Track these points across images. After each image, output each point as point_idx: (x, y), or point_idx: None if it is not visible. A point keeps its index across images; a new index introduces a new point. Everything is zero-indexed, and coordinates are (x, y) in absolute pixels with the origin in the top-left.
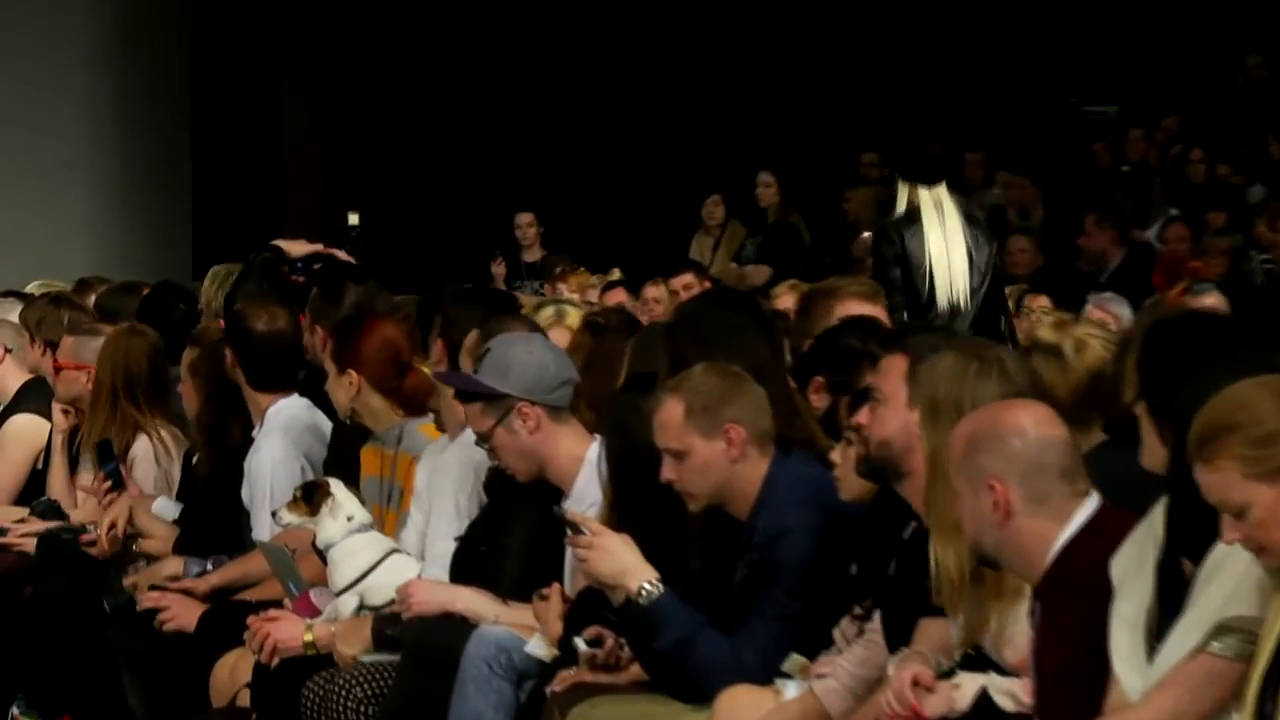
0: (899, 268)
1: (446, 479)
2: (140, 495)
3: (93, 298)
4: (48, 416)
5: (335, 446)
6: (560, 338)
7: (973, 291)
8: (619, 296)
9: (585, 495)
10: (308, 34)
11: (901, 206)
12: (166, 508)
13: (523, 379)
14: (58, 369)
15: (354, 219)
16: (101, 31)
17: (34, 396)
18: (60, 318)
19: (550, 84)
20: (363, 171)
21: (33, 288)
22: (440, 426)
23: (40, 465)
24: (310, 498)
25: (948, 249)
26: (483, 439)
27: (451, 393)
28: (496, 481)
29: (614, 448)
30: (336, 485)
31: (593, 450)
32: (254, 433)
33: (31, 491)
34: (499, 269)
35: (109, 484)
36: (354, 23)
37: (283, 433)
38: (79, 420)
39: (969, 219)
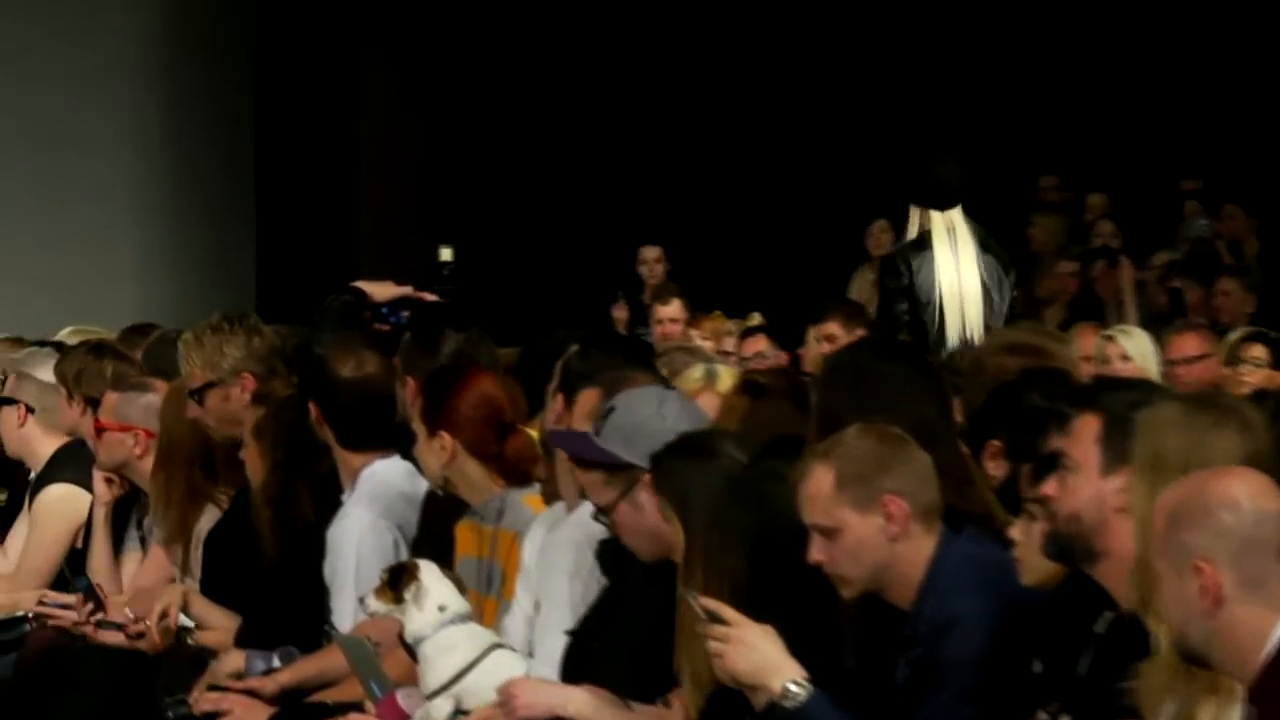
0: (906, 301)
1: (559, 560)
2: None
3: (141, 348)
4: (87, 486)
5: (426, 521)
6: (710, 404)
7: (988, 327)
8: (759, 345)
9: None
10: (391, 35)
11: (912, 233)
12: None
13: (652, 446)
14: (99, 430)
15: (446, 254)
16: (150, 36)
17: (71, 463)
18: (103, 370)
19: (681, 93)
20: (456, 199)
21: (66, 335)
22: (547, 499)
23: (79, 543)
24: (396, 583)
25: (960, 278)
26: (603, 514)
27: (565, 456)
28: (615, 561)
29: (752, 524)
30: (426, 568)
31: None
32: (344, 496)
33: (71, 570)
34: (620, 313)
35: (90, 606)
36: (446, 24)
37: (373, 501)
38: (124, 490)
39: (985, 247)
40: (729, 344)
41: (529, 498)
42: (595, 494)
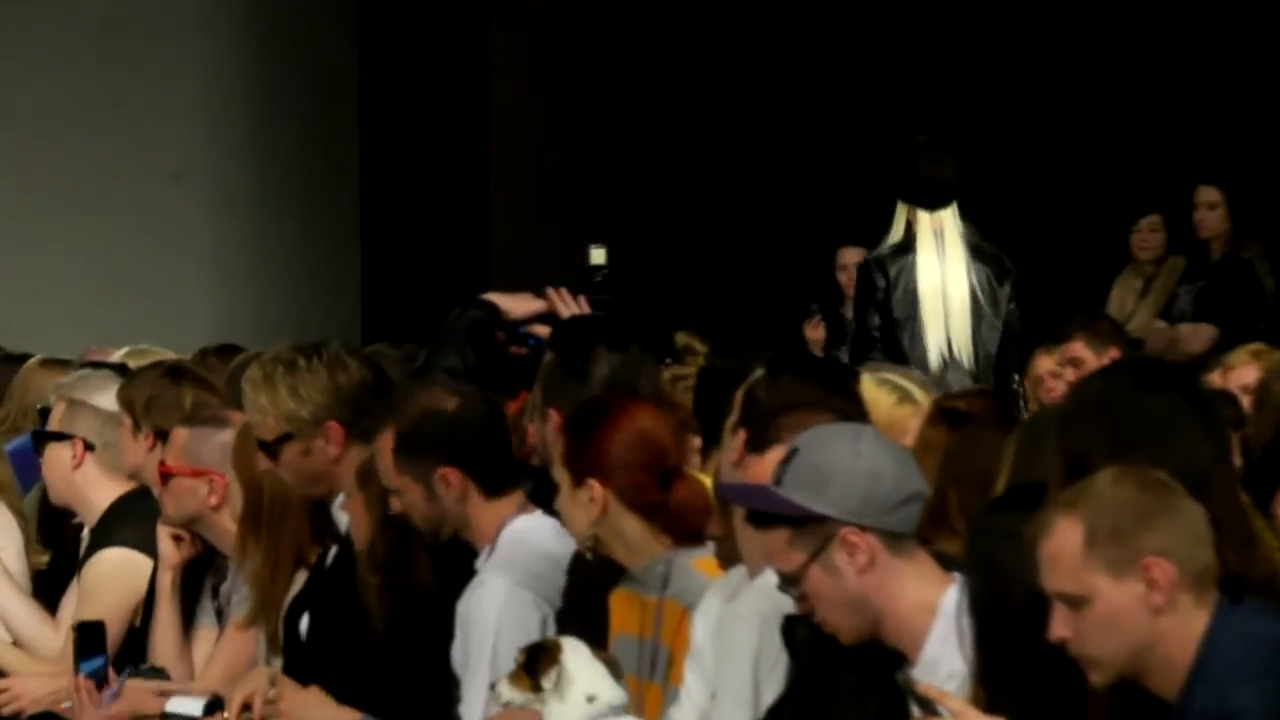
0: (879, 316)
1: (738, 639)
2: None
3: (223, 374)
4: (150, 549)
5: (573, 590)
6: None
7: (977, 341)
8: None
9: (940, 662)
10: None
11: (898, 233)
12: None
13: (848, 494)
14: (165, 476)
15: (598, 257)
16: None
17: (132, 518)
18: (180, 399)
19: (881, 66)
20: (609, 189)
21: (126, 357)
22: (724, 562)
23: (138, 621)
24: (534, 667)
25: (944, 285)
26: (789, 581)
27: (744, 514)
28: (808, 640)
29: (982, 593)
30: (572, 649)
31: (950, 596)
32: (478, 561)
33: (130, 655)
34: (815, 332)
35: (114, 688)
36: None
37: (515, 566)
38: (195, 550)
39: (977, 251)
40: None
41: (701, 561)
42: (780, 558)
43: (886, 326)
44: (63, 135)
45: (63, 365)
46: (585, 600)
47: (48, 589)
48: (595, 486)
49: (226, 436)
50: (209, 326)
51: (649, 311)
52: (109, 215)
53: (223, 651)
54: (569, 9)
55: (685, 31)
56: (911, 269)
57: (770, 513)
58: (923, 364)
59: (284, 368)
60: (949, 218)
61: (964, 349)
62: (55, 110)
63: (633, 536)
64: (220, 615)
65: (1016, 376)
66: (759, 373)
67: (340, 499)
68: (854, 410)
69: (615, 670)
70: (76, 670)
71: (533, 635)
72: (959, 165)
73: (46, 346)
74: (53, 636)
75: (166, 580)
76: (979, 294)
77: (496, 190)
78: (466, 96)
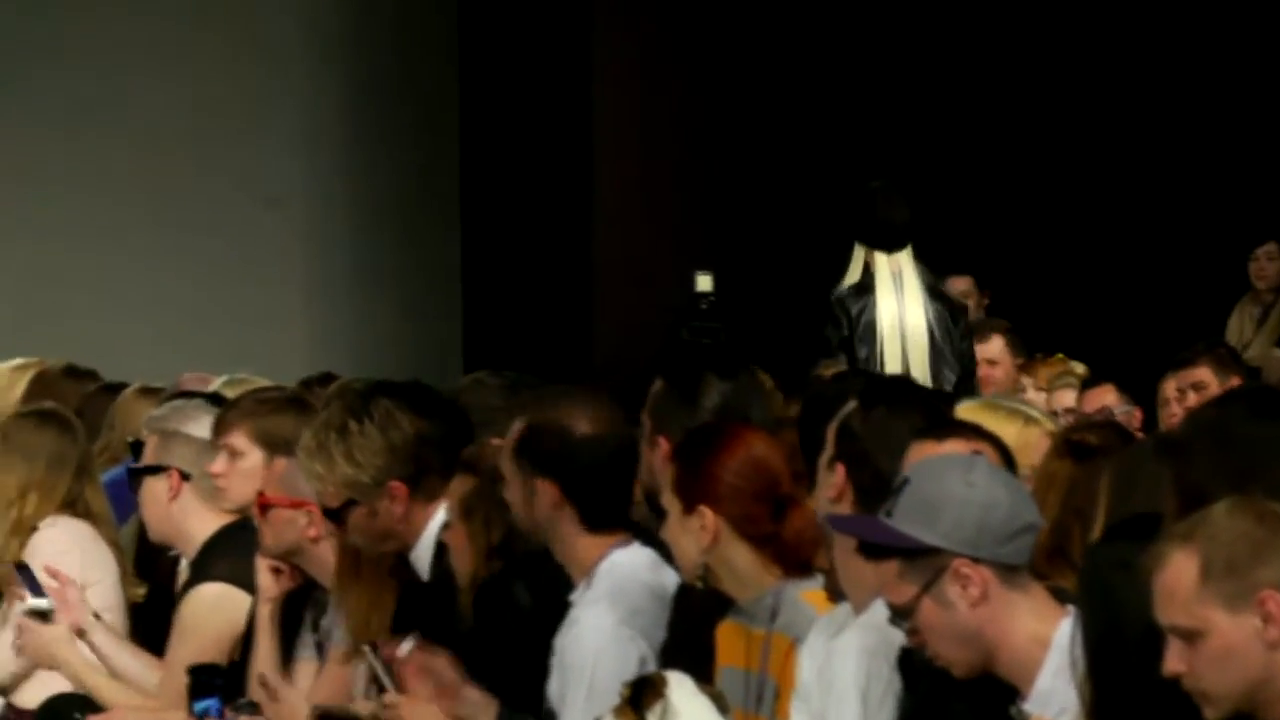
0: (845, 352)
1: (846, 674)
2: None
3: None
4: (249, 585)
5: (679, 622)
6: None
7: (935, 376)
8: (1106, 397)
9: (1053, 695)
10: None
11: (855, 274)
12: None
13: (960, 525)
14: (264, 507)
15: (705, 283)
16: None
17: (232, 552)
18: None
19: (1007, 88)
20: (717, 211)
21: (224, 386)
22: (833, 594)
23: (237, 655)
24: (639, 701)
25: (903, 324)
26: (900, 615)
27: (853, 545)
28: (920, 675)
29: (1095, 625)
30: (676, 683)
31: (1063, 629)
32: (573, 594)
33: (229, 690)
34: None
35: None
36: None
37: (615, 601)
38: (295, 583)
39: (932, 293)
40: (1068, 397)
41: (810, 593)
42: (890, 590)
43: (850, 362)
44: (161, 161)
45: (159, 394)
46: (691, 632)
47: (144, 621)
48: (706, 514)
49: None
50: (306, 354)
51: (759, 339)
52: (206, 241)
53: (323, 685)
54: (673, 36)
55: (792, 56)
56: (871, 308)
57: (882, 544)
58: None
59: (336, 434)
60: (905, 259)
61: (921, 380)
62: (154, 136)
63: (742, 566)
64: (320, 649)
65: None
66: (851, 405)
67: (420, 544)
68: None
69: (721, 705)
70: (190, 711)
71: (630, 672)
72: (913, 208)
73: (143, 373)
74: (151, 673)
75: (265, 613)
76: (935, 331)
77: (600, 216)
78: (569, 122)
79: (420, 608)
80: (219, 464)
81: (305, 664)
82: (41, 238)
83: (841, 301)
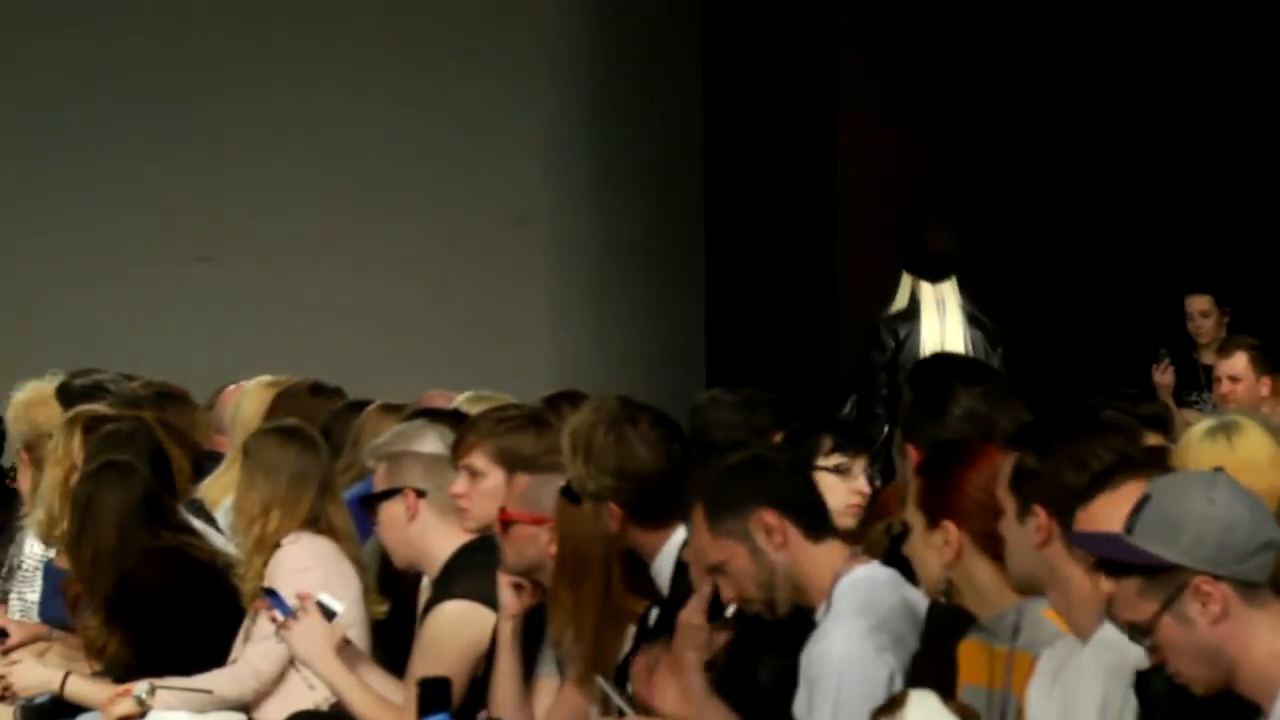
0: (886, 373)
1: (1082, 694)
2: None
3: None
4: (491, 602)
5: (928, 637)
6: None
7: None
8: None
9: None
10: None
11: (902, 301)
12: None
13: (1201, 542)
14: (505, 523)
15: None
16: (575, 30)
17: (472, 569)
18: (533, 447)
19: (1242, 96)
20: (960, 226)
21: (465, 403)
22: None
23: (480, 672)
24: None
25: (945, 349)
26: (1141, 631)
27: (1073, 564)
28: (1164, 695)
29: None
30: (918, 701)
31: None
32: (817, 614)
33: (472, 707)
34: (1164, 377)
35: None
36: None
37: (862, 616)
38: (537, 599)
39: (972, 320)
40: None
41: (1050, 610)
42: (1129, 607)
43: (892, 384)
44: (405, 177)
45: (401, 411)
46: (935, 649)
47: (387, 638)
48: (950, 529)
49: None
50: (548, 371)
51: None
52: (451, 259)
53: (563, 703)
54: (916, 53)
55: (1032, 74)
56: (916, 333)
57: (1122, 562)
58: None
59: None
60: (949, 289)
61: None
62: (397, 153)
63: (985, 583)
64: (561, 666)
65: None
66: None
67: (659, 559)
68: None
69: (971, 718)
70: None
71: (878, 688)
72: (959, 242)
73: (385, 390)
74: (394, 690)
75: (507, 630)
76: (974, 356)
77: (843, 230)
78: (812, 136)
79: (660, 622)
80: (460, 484)
81: (546, 680)
82: (286, 259)
83: (889, 322)
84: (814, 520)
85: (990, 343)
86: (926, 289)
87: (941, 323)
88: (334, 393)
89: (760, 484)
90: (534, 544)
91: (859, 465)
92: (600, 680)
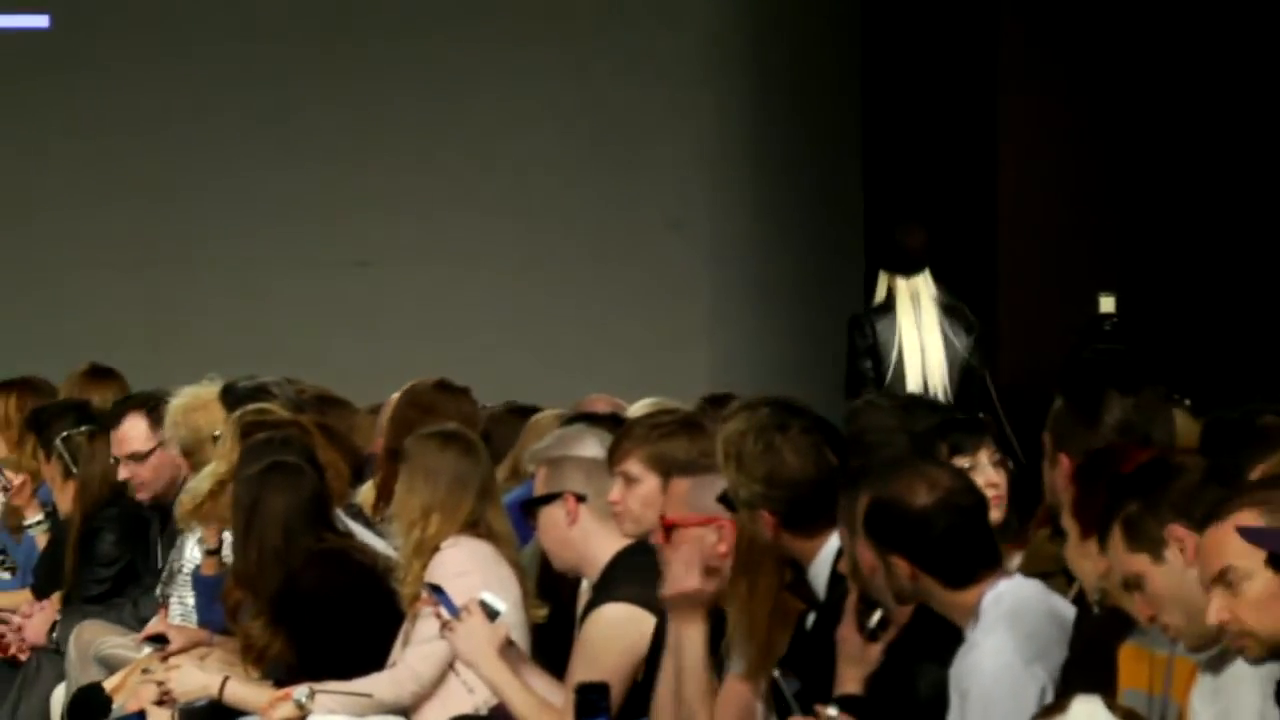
0: (870, 359)
1: (1243, 699)
2: None
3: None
4: (652, 605)
5: (1081, 644)
6: None
7: (949, 381)
8: None
9: None
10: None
11: (880, 295)
12: None
13: None
14: (668, 528)
15: (1108, 305)
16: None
17: (632, 572)
18: (687, 452)
19: None
20: (1118, 232)
21: (642, 408)
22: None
23: (640, 676)
24: None
25: (921, 338)
26: None
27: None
28: None
29: None
30: (1083, 703)
31: None
32: (969, 629)
33: (633, 711)
34: None
35: None
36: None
37: (1012, 625)
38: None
39: (947, 309)
40: None
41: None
42: None
43: (876, 369)
44: (560, 182)
45: (561, 417)
46: (1094, 653)
47: (546, 642)
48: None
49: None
50: (707, 375)
51: (1164, 361)
52: (609, 264)
53: (723, 707)
54: (1078, 59)
55: (1196, 84)
56: (893, 324)
57: None
58: None
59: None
60: (922, 282)
61: (938, 387)
62: (553, 158)
63: None
64: (720, 668)
65: (981, 413)
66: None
67: (815, 564)
68: None
69: None
70: None
71: (1029, 699)
72: (929, 238)
73: (543, 396)
74: (554, 693)
75: (695, 635)
76: (948, 342)
77: (1004, 240)
78: (973, 142)
79: (817, 626)
80: (616, 491)
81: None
82: (453, 263)
83: (869, 314)
84: (956, 574)
85: (964, 329)
86: (901, 283)
87: (916, 313)
88: (461, 391)
89: (904, 537)
90: (700, 545)
91: (983, 457)
92: (777, 674)
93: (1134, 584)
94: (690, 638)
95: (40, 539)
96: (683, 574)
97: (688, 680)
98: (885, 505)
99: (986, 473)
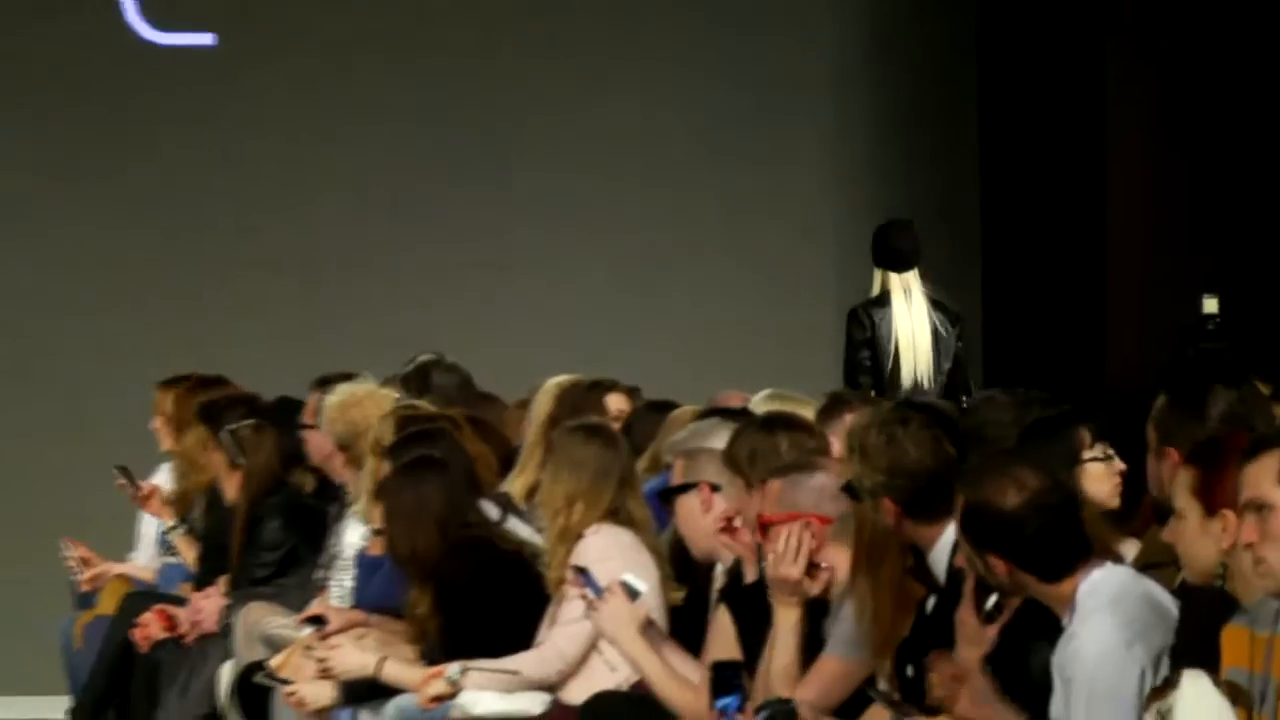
0: (868, 349)
1: None
2: None
3: (844, 418)
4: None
5: (1189, 625)
6: None
7: (939, 370)
8: None
9: None
10: (1143, 27)
11: (875, 290)
12: None
13: None
14: (764, 526)
15: (1211, 306)
16: (852, 43)
17: None
18: (776, 448)
19: None
20: (1222, 235)
21: (761, 402)
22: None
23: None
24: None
25: (914, 330)
26: None
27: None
28: None
29: None
30: (1191, 680)
31: None
32: (1065, 620)
33: None
34: None
35: None
36: (1213, 10)
37: (1112, 610)
38: (817, 592)
39: (935, 304)
40: None
41: None
42: None
43: (874, 359)
44: (689, 182)
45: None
46: (1200, 634)
47: (682, 623)
48: (1229, 518)
49: (819, 481)
50: (833, 377)
51: (1267, 359)
52: (741, 269)
53: (814, 676)
54: (1188, 64)
55: None
56: (888, 317)
57: None
58: (897, 389)
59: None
60: (913, 278)
61: (928, 376)
62: (678, 160)
63: (1251, 570)
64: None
65: (965, 398)
66: None
67: (935, 550)
68: None
69: (1234, 695)
70: (711, 708)
71: (1130, 683)
72: (918, 238)
73: (681, 392)
74: (692, 671)
75: (791, 618)
76: (937, 333)
77: (1113, 241)
78: (1084, 150)
79: (937, 610)
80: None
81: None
82: (589, 270)
83: (866, 307)
84: (1051, 569)
85: (951, 322)
86: (894, 279)
87: (909, 306)
88: (610, 387)
89: (995, 538)
90: (799, 538)
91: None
92: (882, 685)
93: (1260, 506)
94: (784, 617)
95: (180, 544)
96: (785, 561)
97: (776, 656)
98: (977, 508)
99: (1115, 460)
